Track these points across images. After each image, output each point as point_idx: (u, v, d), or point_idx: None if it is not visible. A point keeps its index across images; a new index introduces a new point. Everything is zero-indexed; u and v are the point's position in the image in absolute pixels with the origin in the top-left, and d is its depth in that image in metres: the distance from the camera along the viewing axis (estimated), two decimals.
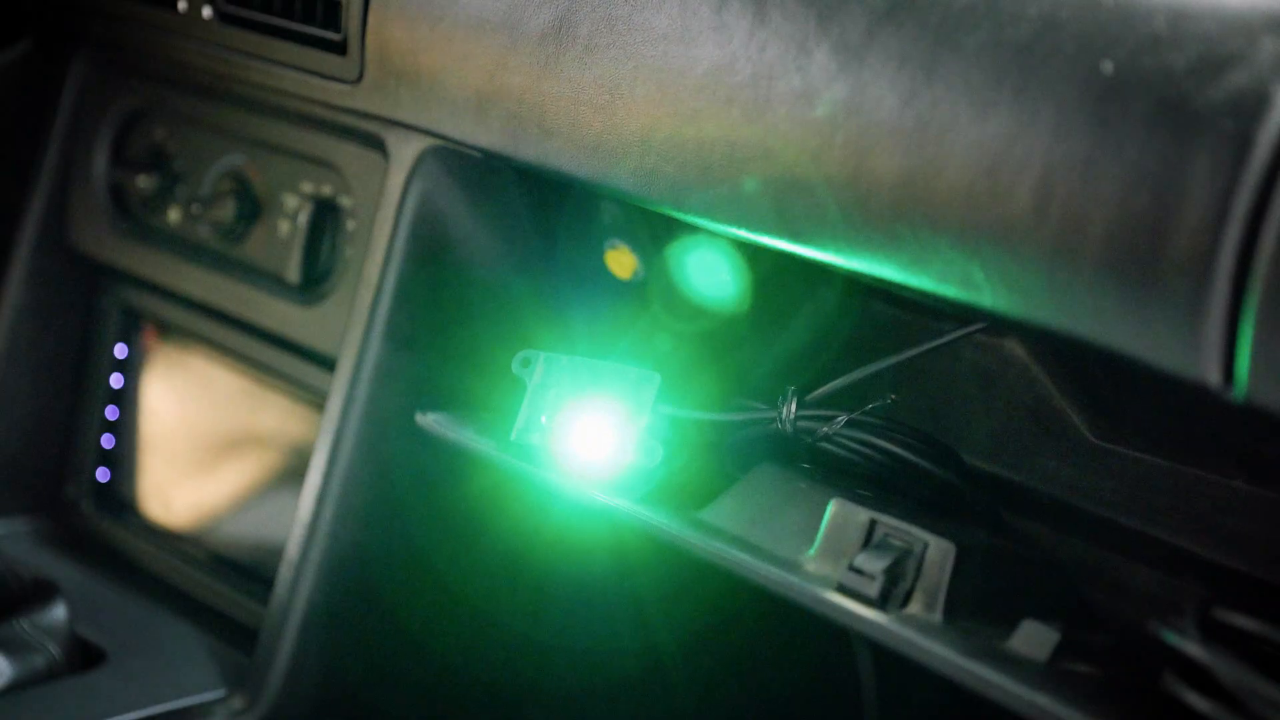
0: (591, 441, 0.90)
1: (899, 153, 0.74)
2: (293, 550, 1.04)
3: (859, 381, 0.89)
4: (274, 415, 1.17)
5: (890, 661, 1.04)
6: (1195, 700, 0.69)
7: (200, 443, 1.22)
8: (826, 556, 0.83)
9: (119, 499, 1.28)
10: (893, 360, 0.89)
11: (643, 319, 1.05)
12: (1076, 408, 0.90)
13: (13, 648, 1.03)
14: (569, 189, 0.96)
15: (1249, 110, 0.62)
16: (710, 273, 1.02)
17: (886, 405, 0.89)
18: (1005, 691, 0.74)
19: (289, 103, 1.12)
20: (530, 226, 1.05)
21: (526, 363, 0.92)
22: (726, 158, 0.82)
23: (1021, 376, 0.91)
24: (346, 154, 1.10)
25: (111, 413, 1.28)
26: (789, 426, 0.89)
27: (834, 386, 0.89)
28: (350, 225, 1.10)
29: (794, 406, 0.89)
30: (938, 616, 0.79)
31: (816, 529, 0.84)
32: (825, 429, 0.88)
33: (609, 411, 0.90)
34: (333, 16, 1.05)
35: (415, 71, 1.00)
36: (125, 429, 1.28)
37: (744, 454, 0.93)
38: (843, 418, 0.88)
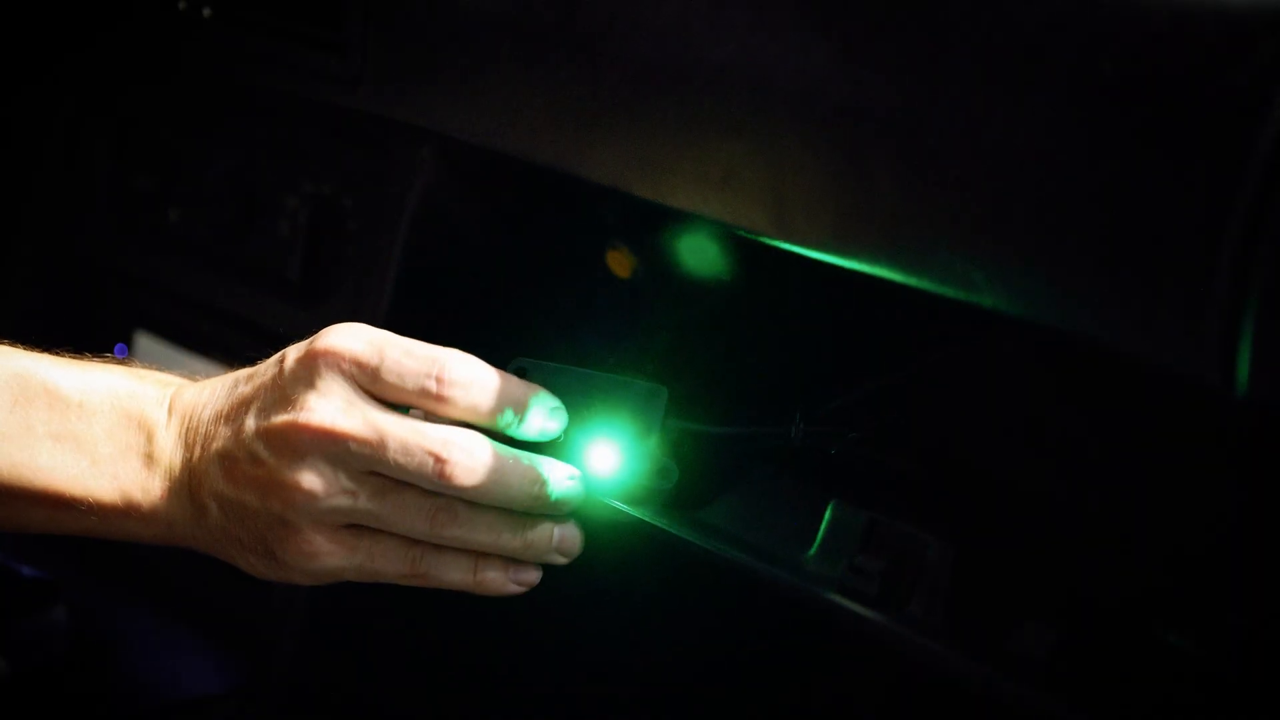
0: (603, 462, 0.87)
1: (899, 153, 0.74)
2: None
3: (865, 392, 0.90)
4: None
5: (890, 663, 1.04)
6: (1195, 700, 0.70)
7: None
8: (826, 556, 0.83)
9: None
10: (896, 377, 0.89)
11: (643, 320, 1.05)
12: (1076, 408, 0.90)
13: (13, 648, 1.03)
14: (569, 189, 0.96)
15: (1249, 110, 0.62)
16: (710, 273, 1.01)
17: (893, 421, 0.88)
18: (1005, 691, 0.74)
19: (289, 103, 1.12)
20: (530, 226, 1.05)
21: (522, 373, 0.88)
22: (726, 158, 0.82)
23: (1021, 377, 0.91)
24: (347, 154, 1.10)
25: None
26: (797, 444, 0.89)
27: (840, 403, 0.89)
28: (351, 225, 1.10)
29: (802, 428, 0.88)
30: (938, 616, 0.79)
31: (816, 529, 0.84)
32: (834, 450, 0.88)
33: (616, 429, 0.86)
34: (333, 17, 1.04)
35: (415, 72, 0.99)
36: None
37: (749, 465, 0.92)
38: (854, 436, 0.88)
